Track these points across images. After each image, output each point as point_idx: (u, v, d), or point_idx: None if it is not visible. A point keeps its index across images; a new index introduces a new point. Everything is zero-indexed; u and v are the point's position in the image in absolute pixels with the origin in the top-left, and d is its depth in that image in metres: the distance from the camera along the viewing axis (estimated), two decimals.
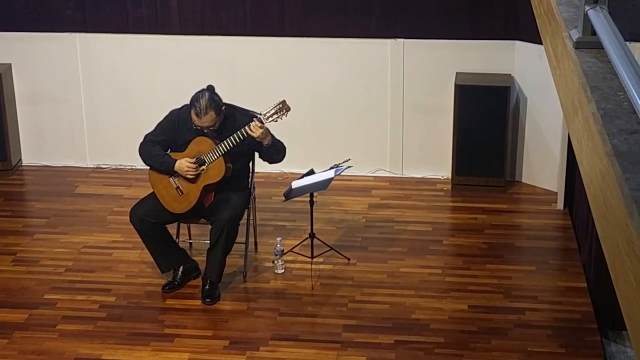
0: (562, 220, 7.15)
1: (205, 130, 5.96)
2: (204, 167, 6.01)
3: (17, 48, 7.92)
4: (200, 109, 5.87)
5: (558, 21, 3.49)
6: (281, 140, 6.15)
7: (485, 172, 7.53)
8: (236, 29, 7.70)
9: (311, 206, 6.44)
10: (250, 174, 6.38)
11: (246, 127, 5.92)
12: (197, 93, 5.96)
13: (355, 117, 7.80)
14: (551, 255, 6.72)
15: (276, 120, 6.03)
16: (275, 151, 6.12)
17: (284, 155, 6.19)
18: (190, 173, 5.98)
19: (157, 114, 6.24)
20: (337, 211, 7.30)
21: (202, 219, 6.21)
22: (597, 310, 5.92)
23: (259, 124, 5.93)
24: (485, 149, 7.46)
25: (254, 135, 5.92)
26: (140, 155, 6.13)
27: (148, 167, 6.16)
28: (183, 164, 5.98)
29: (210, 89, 6.00)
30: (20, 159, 8.16)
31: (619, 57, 2.63)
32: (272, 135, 6.07)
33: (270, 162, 6.25)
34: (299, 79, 7.72)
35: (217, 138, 6.00)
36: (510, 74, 7.51)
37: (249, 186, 6.37)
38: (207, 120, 5.90)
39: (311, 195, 6.43)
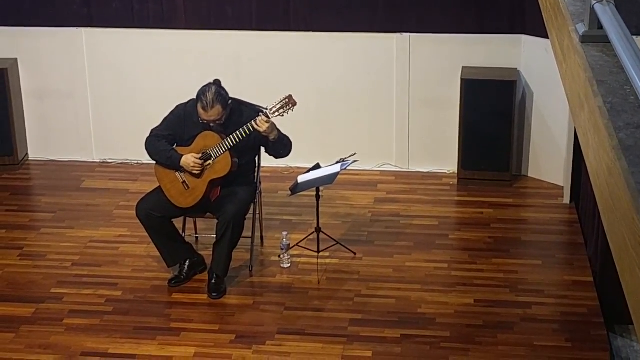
0: (568, 215, 7.14)
1: (211, 124, 5.96)
2: (210, 161, 6.01)
3: (23, 43, 7.93)
4: (206, 103, 5.88)
5: (564, 15, 3.49)
6: (287, 134, 6.15)
7: (491, 166, 7.53)
8: (242, 24, 7.70)
9: (317, 200, 6.44)
10: (256, 169, 6.38)
11: (252, 122, 5.92)
12: (203, 87, 5.97)
13: (361, 111, 7.80)
14: (557, 249, 6.71)
15: (282, 115, 6.03)
16: (281, 146, 6.13)
17: (290, 150, 6.20)
18: (196, 169, 5.99)
19: (163, 109, 6.24)
20: (343, 205, 7.30)
21: (208, 214, 6.21)
22: (604, 304, 5.91)
23: (265, 119, 5.93)
24: (491, 143, 7.45)
25: (260, 129, 5.92)
26: (146, 150, 6.14)
27: (154, 162, 6.17)
28: (189, 159, 5.98)
29: (217, 83, 6.01)
30: (27, 154, 8.18)
31: (626, 51, 2.63)
32: (279, 130, 6.07)
33: (277, 157, 6.25)
34: (304, 73, 7.72)
35: (223, 132, 6.01)
36: (516, 68, 7.50)
37: (255, 180, 6.37)
38: (213, 114, 5.91)
39: (317, 190, 6.43)
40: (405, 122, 7.78)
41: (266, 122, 5.92)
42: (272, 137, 6.01)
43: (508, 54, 7.50)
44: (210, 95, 5.89)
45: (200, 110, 5.92)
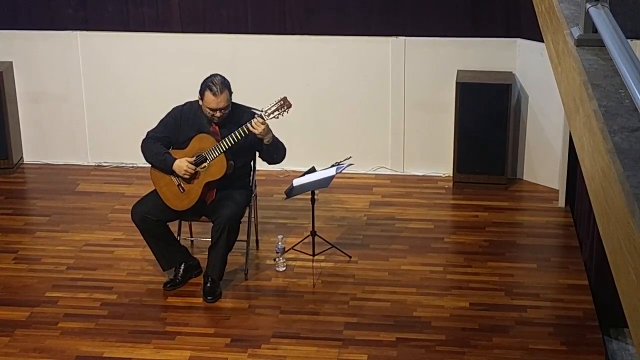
0: (563, 218, 7.15)
1: (218, 114, 5.94)
2: (205, 164, 6.01)
3: (18, 46, 7.92)
4: (217, 88, 5.90)
5: (559, 19, 3.49)
6: (282, 138, 6.15)
7: (486, 169, 7.53)
8: (237, 27, 7.70)
9: (312, 204, 6.44)
10: (252, 172, 6.38)
11: (247, 124, 5.93)
12: (207, 78, 6.01)
13: (357, 114, 7.80)
14: (552, 252, 6.72)
15: (277, 117, 6.03)
16: (275, 150, 6.12)
17: (284, 156, 6.19)
18: (187, 174, 5.98)
19: (158, 112, 6.24)
20: (338, 209, 7.30)
21: (203, 217, 6.21)
22: (599, 308, 5.92)
23: (261, 120, 5.93)
24: (487, 147, 7.46)
25: (256, 132, 5.92)
26: (142, 152, 6.13)
27: (149, 165, 6.16)
28: (182, 164, 5.98)
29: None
30: (22, 157, 8.17)
31: (620, 54, 2.63)
32: (273, 134, 6.07)
33: (270, 162, 6.25)
34: (300, 77, 7.72)
35: (219, 134, 6.01)
36: (511, 72, 7.50)
37: (251, 184, 6.37)
38: (223, 99, 5.92)
39: (312, 193, 6.43)
40: (400, 126, 7.78)
41: (262, 123, 5.93)
42: (266, 139, 6.01)
43: (503, 57, 7.51)
44: (218, 82, 5.93)
45: (211, 98, 5.91)
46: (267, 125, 5.97)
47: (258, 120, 5.93)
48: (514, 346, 5.59)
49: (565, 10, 3.50)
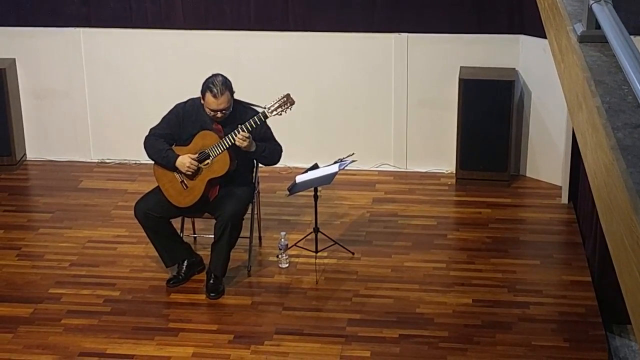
0: (566, 214, 7.14)
1: (219, 114, 5.94)
2: (208, 161, 6.01)
3: (21, 43, 7.92)
4: (217, 90, 5.88)
5: (562, 15, 3.49)
6: (285, 135, 6.15)
7: (489, 166, 7.53)
8: (240, 24, 7.70)
9: (315, 200, 6.44)
10: (255, 169, 6.38)
11: (232, 134, 5.91)
12: (208, 78, 5.99)
13: (359, 111, 7.80)
14: (555, 249, 6.72)
15: (280, 114, 6.03)
16: (262, 158, 6.13)
17: (274, 160, 6.16)
18: (190, 170, 5.98)
19: (161, 109, 6.24)
20: (341, 205, 7.30)
21: (206, 214, 6.21)
22: (602, 304, 5.92)
23: (246, 136, 5.89)
24: (490, 143, 7.45)
25: (240, 146, 5.90)
26: (145, 149, 6.14)
27: (152, 162, 6.17)
28: (185, 160, 5.98)
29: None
30: (25, 154, 8.17)
31: (623, 51, 2.63)
32: (258, 145, 6.03)
33: (264, 164, 6.29)
34: (302, 73, 7.72)
35: (222, 131, 6.01)
36: (514, 68, 7.50)
37: (253, 181, 6.37)
38: (223, 101, 5.91)
39: (315, 190, 6.43)
40: (403, 122, 7.78)
41: (244, 140, 5.88)
42: (251, 149, 6.00)
43: (506, 53, 7.50)
44: (219, 83, 5.92)
45: (211, 99, 5.91)
46: (250, 141, 5.94)
47: (243, 136, 5.89)
48: (517, 343, 5.59)
49: (569, 6, 3.50)
